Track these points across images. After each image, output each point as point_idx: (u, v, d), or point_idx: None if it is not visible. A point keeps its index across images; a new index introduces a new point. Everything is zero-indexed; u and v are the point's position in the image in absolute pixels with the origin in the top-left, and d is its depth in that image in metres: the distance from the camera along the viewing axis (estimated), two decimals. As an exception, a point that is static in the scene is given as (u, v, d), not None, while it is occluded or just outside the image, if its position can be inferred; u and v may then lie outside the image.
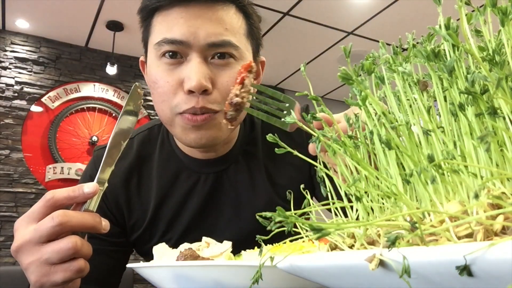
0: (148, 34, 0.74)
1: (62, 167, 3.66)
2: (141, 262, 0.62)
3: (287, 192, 0.53)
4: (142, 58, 0.81)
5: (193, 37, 0.67)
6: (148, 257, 0.82)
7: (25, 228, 0.53)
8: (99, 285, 0.79)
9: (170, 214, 0.82)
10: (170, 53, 0.69)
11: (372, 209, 0.39)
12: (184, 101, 0.69)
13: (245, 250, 0.59)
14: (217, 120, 0.71)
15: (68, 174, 3.66)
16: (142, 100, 0.60)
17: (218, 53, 0.69)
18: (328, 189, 0.45)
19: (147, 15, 0.74)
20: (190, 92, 0.67)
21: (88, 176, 0.82)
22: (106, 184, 0.57)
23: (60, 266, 0.52)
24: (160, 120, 0.87)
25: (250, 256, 0.56)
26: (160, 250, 0.60)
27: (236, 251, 0.59)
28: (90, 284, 0.77)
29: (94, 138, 3.83)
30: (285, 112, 0.57)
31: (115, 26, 3.58)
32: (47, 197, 0.53)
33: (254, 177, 0.85)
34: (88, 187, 0.54)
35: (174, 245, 0.77)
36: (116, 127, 0.59)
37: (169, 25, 0.69)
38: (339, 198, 0.43)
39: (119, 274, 0.86)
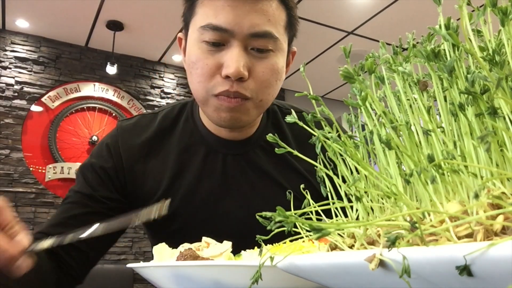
0: (191, 14, 0.78)
1: (62, 167, 3.66)
2: (141, 262, 0.62)
3: (287, 192, 0.53)
4: (180, 35, 0.86)
5: (238, 27, 0.71)
6: (162, 237, 0.82)
7: None
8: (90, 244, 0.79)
9: (184, 189, 0.83)
10: (212, 42, 0.73)
11: (372, 209, 0.39)
12: (219, 83, 0.73)
13: (254, 236, 0.57)
14: (247, 106, 0.75)
15: (68, 173, 3.66)
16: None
17: (258, 47, 0.74)
18: (328, 189, 0.45)
19: None
20: (227, 77, 0.72)
21: (105, 145, 0.84)
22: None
23: None
24: (184, 101, 0.94)
25: (250, 256, 0.56)
26: (160, 250, 0.60)
27: (244, 238, 0.58)
28: (82, 242, 0.76)
29: (94, 138, 3.83)
30: None
31: (115, 25, 3.58)
32: None
33: (273, 167, 0.87)
34: None
35: (185, 224, 0.82)
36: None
37: (215, 11, 0.72)
38: (340, 198, 0.43)
39: (111, 237, 0.84)
